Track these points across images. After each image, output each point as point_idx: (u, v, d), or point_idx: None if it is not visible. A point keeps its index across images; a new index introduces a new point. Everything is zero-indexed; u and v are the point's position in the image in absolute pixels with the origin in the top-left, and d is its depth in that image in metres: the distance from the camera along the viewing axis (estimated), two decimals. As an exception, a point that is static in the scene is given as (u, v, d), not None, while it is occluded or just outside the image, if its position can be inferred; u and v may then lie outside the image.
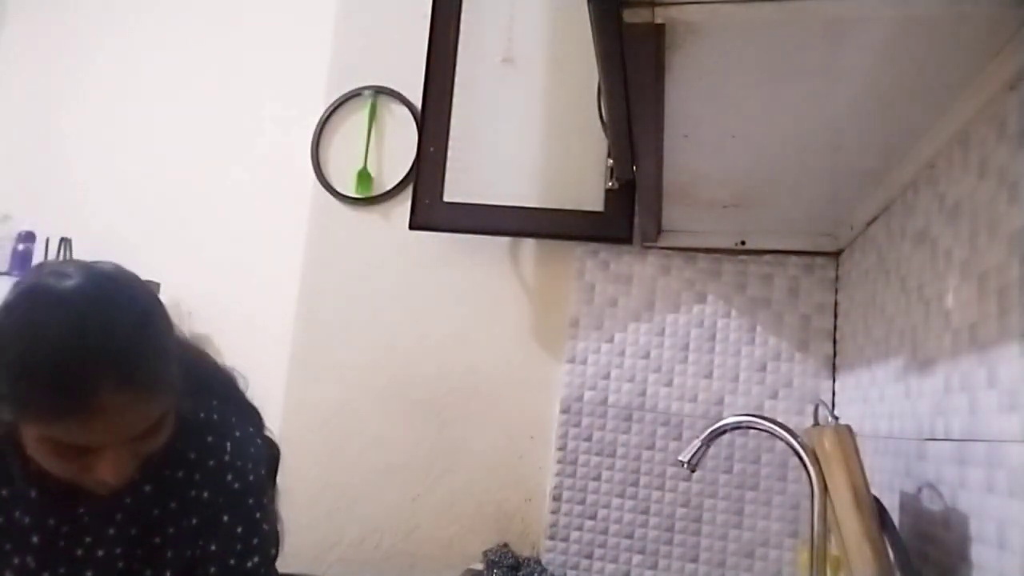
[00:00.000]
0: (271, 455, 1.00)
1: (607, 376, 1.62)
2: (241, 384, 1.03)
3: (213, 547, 0.91)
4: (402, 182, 1.82)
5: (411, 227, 1.69)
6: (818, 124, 0.99)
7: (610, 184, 1.60)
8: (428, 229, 1.70)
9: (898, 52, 0.78)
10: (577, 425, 1.61)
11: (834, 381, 1.51)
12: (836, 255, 1.54)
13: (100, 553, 0.86)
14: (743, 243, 1.58)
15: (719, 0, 0.70)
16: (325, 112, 1.89)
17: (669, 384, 1.59)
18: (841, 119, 0.96)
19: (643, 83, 0.85)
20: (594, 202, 1.63)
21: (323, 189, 1.86)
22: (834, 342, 1.53)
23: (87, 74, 2.18)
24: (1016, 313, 0.75)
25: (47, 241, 2.20)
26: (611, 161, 1.51)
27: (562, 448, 1.61)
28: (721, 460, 1.53)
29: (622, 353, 1.62)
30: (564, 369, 1.64)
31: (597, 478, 1.59)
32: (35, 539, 0.84)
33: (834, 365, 1.52)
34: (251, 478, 0.93)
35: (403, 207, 1.76)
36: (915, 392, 1.03)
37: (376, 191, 1.84)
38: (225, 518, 0.91)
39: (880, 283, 1.24)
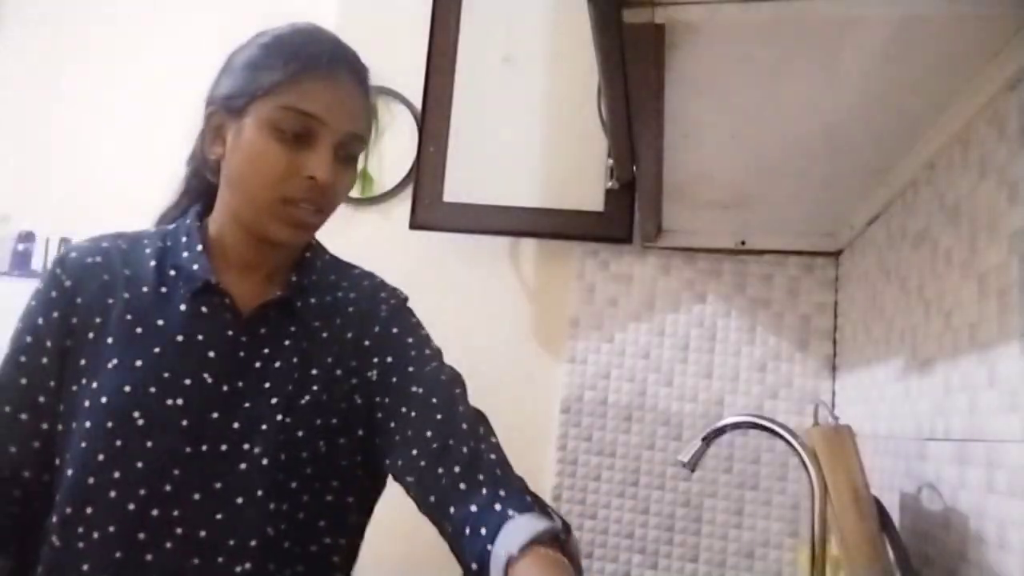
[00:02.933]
0: None
1: (607, 376, 1.62)
2: None
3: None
4: (402, 182, 1.82)
5: (411, 227, 1.69)
6: (818, 124, 0.99)
7: (610, 184, 1.60)
8: (428, 229, 1.70)
9: (898, 52, 0.78)
10: (577, 425, 1.61)
11: (834, 381, 1.51)
12: (836, 255, 1.54)
13: (277, 364, 0.86)
14: (743, 243, 1.57)
15: (719, 0, 0.70)
16: (325, 112, 1.89)
17: (669, 384, 1.59)
18: (841, 119, 0.96)
19: (643, 83, 0.85)
20: (594, 202, 1.63)
21: (323, 189, 1.86)
22: (834, 342, 1.53)
23: (86, 74, 2.18)
24: (1016, 313, 0.75)
25: (47, 241, 2.20)
26: (611, 161, 1.51)
27: (562, 448, 1.61)
28: (721, 460, 1.53)
29: (622, 353, 1.62)
30: (564, 369, 1.64)
31: (597, 478, 1.59)
32: (211, 354, 0.83)
33: (834, 365, 1.52)
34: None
35: (403, 207, 1.76)
36: (915, 392, 1.03)
37: (376, 191, 1.84)
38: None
39: (880, 283, 1.24)
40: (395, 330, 0.96)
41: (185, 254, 0.86)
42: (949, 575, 0.88)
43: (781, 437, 1.05)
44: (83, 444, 0.78)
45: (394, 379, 0.91)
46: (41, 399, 0.82)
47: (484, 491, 0.77)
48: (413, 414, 0.88)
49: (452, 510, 0.78)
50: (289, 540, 0.84)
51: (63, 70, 2.22)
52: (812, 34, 0.76)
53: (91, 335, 0.82)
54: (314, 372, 0.88)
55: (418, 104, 1.74)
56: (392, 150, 1.85)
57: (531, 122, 1.70)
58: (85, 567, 0.76)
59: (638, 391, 1.60)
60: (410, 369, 0.92)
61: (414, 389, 0.90)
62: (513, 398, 1.67)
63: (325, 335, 0.91)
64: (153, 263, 0.86)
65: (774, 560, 1.49)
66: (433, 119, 1.70)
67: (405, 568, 1.66)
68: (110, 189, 2.17)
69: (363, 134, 0.88)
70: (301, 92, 0.82)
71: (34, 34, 2.26)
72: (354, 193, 1.84)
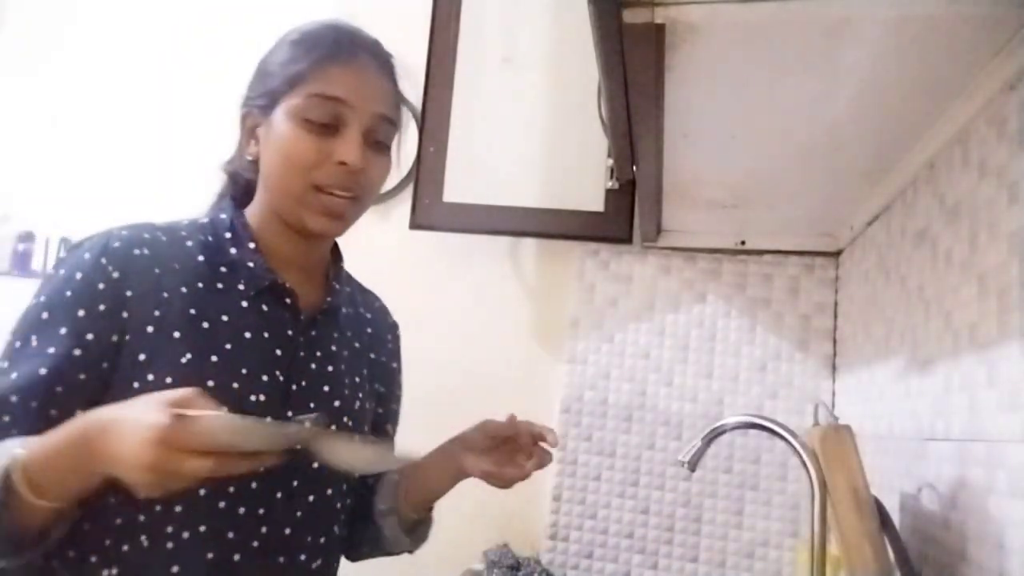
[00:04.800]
0: None
1: (607, 376, 1.62)
2: None
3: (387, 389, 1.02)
4: (402, 182, 1.82)
5: (411, 227, 1.70)
6: (818, 124, 0.99)
7: (610, 184, 1.60)
8: (428, 229, 1.70)
9: (898, 52, 0.78)
10: (577, 425, 1.61)
11: (834, 381, 1.51)
12: (836, 255, 1.54)
13: (330, 368, 0.89)
14: (743, 243, 1.57)
15: (719, 0, 0.70)
16: (325, 112, 1.89)
17: (669, 384, 1.59)
18: (841, 119, 0.96)
19: (643, 83, 0.85)
20: (594, 202, 1.63)
21: (323, 189, 1.86)
22: (834, 342, 1.53)
23: (87, 73, 2.18)
24: (1016, 313, 0.75)
25: (47, 241, 2.20)
26: (611, 161, 1.51)
27: (562, 448, 1.61)
28: (721, 460, 1.53)
29: (622, 353, 1.62)
30: (564, 369, 1.64)
31: (597, 478, 1.59)
32: (278, 352, 0.84)
33: (834, 365, 1.52)
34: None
35: (403, 207, 1.76)
36: (915, 392, 1.03)
37: (376, 191, 1.84)
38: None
39: (880, 283, 1.24)
40: (394, 365, 1.04)
41: (234, 250, 0.85)
42: (949, 575, 0.88)
43: (781, 437, 1.05)
44: None
45: (380, 411, 0.99)
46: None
47: None
48: None
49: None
50: (339, 543, 0.92)
51: (64, 69, 2.22)
52: (812, 34, 0.76)
53: (150, 329, 0.77)
54: (357, 380, 0.93)
55: (418, 104, 1.74)
56: (392, 150, 1.85)
57: (531, 122, 1.70)
58: (175, 568, 0.74)
59: (638, 391, 1.60)
60: (393, 407, 1.03)
61: (388, 427, 1.01)
62: (513, 398, 1.66)
63: (357, 345, 0.95)
64: (201, 258, 0.84)
65: (774, 560, 1.49)
66: (433, 119, 1.70)
67: (405, 567, 1.66)
68: (110, 189, 2.17)
69: (392, 117, 0.89)
70: (325, 78, 0.83)
71: (36, 33, 2.26)
72: (354, 193, 1.84)
